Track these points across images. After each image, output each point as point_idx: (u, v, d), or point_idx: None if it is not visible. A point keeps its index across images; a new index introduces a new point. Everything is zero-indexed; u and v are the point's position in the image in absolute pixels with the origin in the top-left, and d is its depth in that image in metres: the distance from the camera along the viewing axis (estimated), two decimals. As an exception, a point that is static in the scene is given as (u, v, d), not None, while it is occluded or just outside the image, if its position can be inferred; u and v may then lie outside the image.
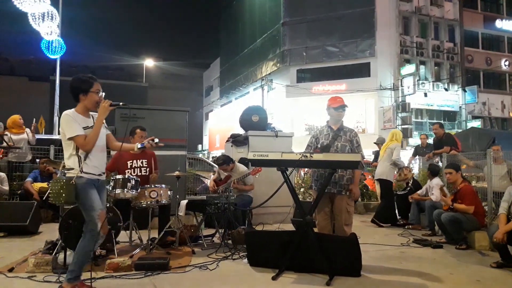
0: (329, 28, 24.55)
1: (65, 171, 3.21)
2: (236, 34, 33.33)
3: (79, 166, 3.14)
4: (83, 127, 3.18)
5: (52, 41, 14.98)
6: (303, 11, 25.34)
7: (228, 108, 33.43)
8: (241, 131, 7.63)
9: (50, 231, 5.63)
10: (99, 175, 3.29)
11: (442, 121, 24.31)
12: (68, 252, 3.97)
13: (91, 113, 3.33)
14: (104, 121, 3.28)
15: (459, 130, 25.20)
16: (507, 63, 28.15)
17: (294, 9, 25.69)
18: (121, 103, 3.32)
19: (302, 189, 8.71)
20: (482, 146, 10.12)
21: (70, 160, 3.19)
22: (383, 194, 7.51)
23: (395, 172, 7.63)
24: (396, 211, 7.76)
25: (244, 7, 32.05)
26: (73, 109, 3.25)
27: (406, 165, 8.00)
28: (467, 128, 25.31)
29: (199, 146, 39.25)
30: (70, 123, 3.14)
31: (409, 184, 7.42)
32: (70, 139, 3.14)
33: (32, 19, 13.87)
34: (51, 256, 3.96)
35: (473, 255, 4.97)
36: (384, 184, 7.35)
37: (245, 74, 31.52)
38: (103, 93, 3.31)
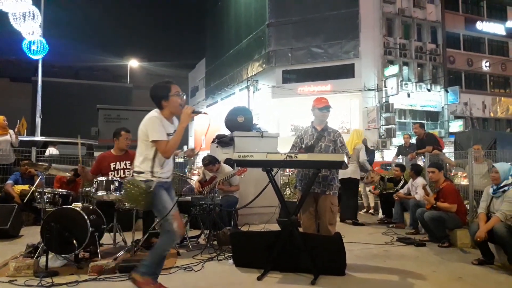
0: (314, 30, 24.69)
1: (135, 174, 3.16)
2: (222, 35, 33.26)
3: (152, 171, 3.10)
4: (167, 133, 3.13)
5: (34, 41, 14.72)
6: (288, 13, 25.42)
7: (214, 109, 33.30)
8: (227, 132, 7.61)
9: (32, 234, 5.52)
10: (168, 178, 3.28)
11: (425, 121, 24.72)
12: (50, 255, 3.90)
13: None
14: None
15: (442, 130, 25.67)
16: (487, 64, 28.75)
17: (279, 10, 25.76)
18: (202, 111, 3.33)
19: (287, 188, 8.72)
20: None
21: (144, 163, 3.13)
22: (348, 193, 7.32)
23: (363, 174, 7.67)
24: (380, 210, 7.85)
25: (230, 8, 32.01)
26: (159, 112, 3.19)
27: (372, 168, 7.96)
28: (449, 127, 25.80)
29: (185, 147, 38.99)
30: (157, 126, 3.08)
31: (398, 187, 7.43)
32: (153, 141, 3.06)
33: (13, 19, 13.63)
34: (33, 259, 3.89)
35: (455, 252, 5.06)
36: (352, 182, 7.28)
37: (230, 75, 31.46)
38: (184, 94, 3.25)
